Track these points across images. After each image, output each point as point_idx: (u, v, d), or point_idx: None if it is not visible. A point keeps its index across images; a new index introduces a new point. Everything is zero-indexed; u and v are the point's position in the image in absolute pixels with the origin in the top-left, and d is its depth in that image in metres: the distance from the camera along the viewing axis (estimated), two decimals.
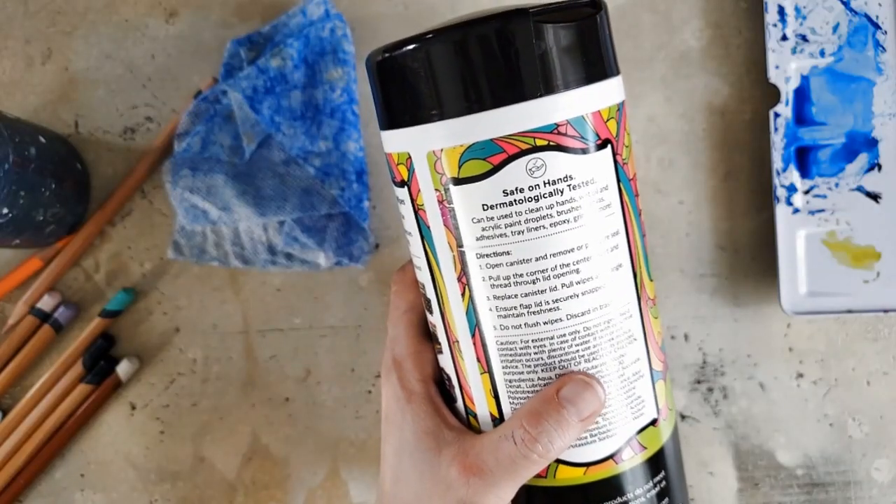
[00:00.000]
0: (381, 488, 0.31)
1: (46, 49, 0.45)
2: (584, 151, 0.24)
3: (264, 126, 0.42)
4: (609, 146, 0.25)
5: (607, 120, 0.25)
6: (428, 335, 0.31)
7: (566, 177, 0.24)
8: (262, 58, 0.42)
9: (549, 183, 0.24)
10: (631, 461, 0.27)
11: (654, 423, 0.28)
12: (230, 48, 0.43)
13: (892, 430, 0.44)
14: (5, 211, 0.37)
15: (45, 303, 0.44)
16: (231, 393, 0.45)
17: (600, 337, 0.26)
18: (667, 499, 0.28)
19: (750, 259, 0.44)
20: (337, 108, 0.43)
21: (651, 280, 0.28)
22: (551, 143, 0.24)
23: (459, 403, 0.29)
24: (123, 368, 0.44)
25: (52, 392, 0.44)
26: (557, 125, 0.24)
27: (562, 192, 0.24)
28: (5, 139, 0.37)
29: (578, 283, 0.25)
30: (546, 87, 0.23)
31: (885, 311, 0.42)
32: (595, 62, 0.25)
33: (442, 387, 0.30)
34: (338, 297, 0.45)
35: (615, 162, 0.25)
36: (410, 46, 0.24)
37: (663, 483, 0.28)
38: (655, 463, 0.28)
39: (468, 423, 0.29)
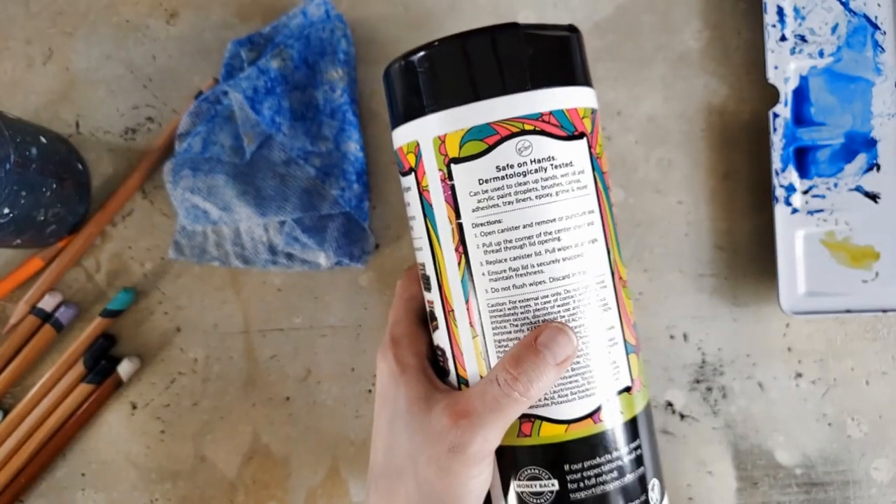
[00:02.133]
0: (373, 460, 0.32)
1: (47, 49, 0.45)
2: (564, 138, 0.29)
3: (265, 126, 0.42)
4: (584, 138, 0.30)
5: (583, 118, 0.30)
6: (425, 323, 0.33)
7: (549, 157, 0.29)
8: (263, 58, 0.42)
9: (534, 161, 0.28)
10: (608, 422, 0.30)
11: (628, 390, 0.30)
12: (231, 49, 0.43)
13: (890, 429, 0.44)
14: (6, 211, 0.37)
15: (47, 302, 0.44)
16: (232, 392, 0.45)
17: (579, 300, 0.29)
18: (643, 467, 0.30)
19: (749, 259, 0.44)
20: (337, 109, 0.43)
21: (623, 265, 0.32)
22: (537, 129, 0.28)
23: (452, 375, 0.31)
24: (124, 368, 0.44)
25: (54, 392, 0.44)
26: (542, 114, 0.29)
27: (545, 170, 0.28)
28: (6, 139, 0.37)
29: (559, 249, 0.29)
30: (533, 83, 0.29)
31: (884, 310, 0.42)
32: (571, 70, 0.30)
33: (435, 366, 0.33)
34: (338, 297, 0.45)
35: (590, 153, 0.30)
36: (426, 52, 0.29)
37: (639, 450, 0.30)
38: (631, 429, 0.30)
39: (459, 388, 0.31)
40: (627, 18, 0.45)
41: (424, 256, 0.31)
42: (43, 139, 0.41)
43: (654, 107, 0.45)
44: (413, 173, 0.30)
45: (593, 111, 0.30)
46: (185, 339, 0.45)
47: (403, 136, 0.31)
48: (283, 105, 0.43)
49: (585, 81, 0.31)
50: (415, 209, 0.31)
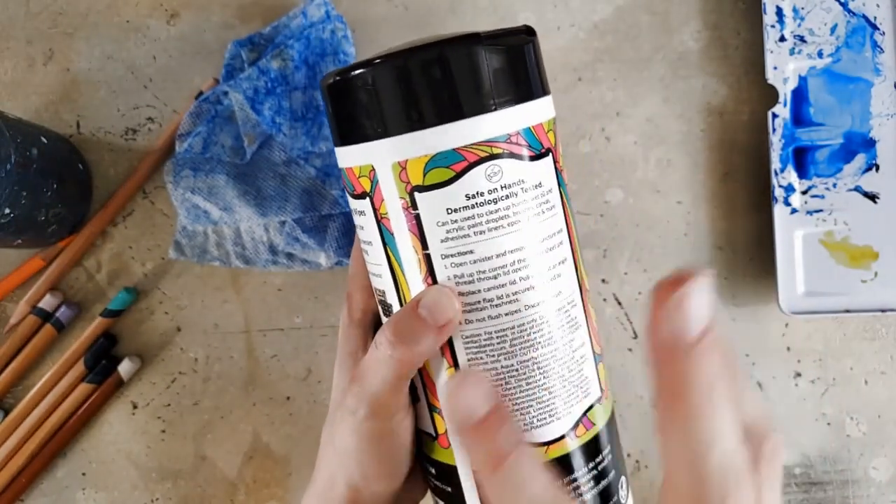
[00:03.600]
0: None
1: (48, 50, 0.45)
2: (532, 158, 0.27)
3: (265, 127, 0.42)
4: (550, 154, 0.28)
5: (547, 132, 0.28)
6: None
7: (518, 181, 0.27)
8: (263, 59, 0.43)
9: (504, 187, 0.27)
10: (584, 437, 0.29)
11: (598, 401, 0.30)
12: (231, 49, 0.43)
13: (889, 429, 0.44)
14: (7, 211, 0.37)
15: (47, 302, 0.44)
16: (232, 392, 0.45)
17: (553, 324, 0.28)
18: (613, 470, 0.30)
19: (748, 259, 0.45)
20: None
21: (585, 273, 0.31)
22: (506, 152, 0.27)
23: (423, 402, 0.30)
24: (125, 368, 0.44)
25: (54, 391, 0.44)
26: (510, 135, 0.27)
27: (516, 195, 0.27)
28: (7, 140, 0.37)
29: (533, 276, 0.28)
30: (499, 102, 0.27)
31: (883, 310, 0.42)
32: (535, 82, 0.28)
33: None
34: (338, 297, 0.45)
35: (556, 168, 0.28)
36: (376, 68, 0.27)
37: (610, 455, 0.30)
38: (603, 437, 0.30)
39: (432, 419, 0.30)
40: (626, 19, 0.45)
41: (384, 284, 0.29)
42: (44, 139, 0.41)
43: (654, 107, 0.45)
44: (368, 198, 0.28)
45: (553, 121, 0.29)
46: (186, 338, 0.45)
47: (353, 157, 0.28)
48: (284, 105, 0.43)
49: (545, 90, 0.29)
50: (370, 235, 0.29)
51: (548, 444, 0.29)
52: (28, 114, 0.45)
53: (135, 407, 0.45)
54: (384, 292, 0.30)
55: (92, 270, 0.45)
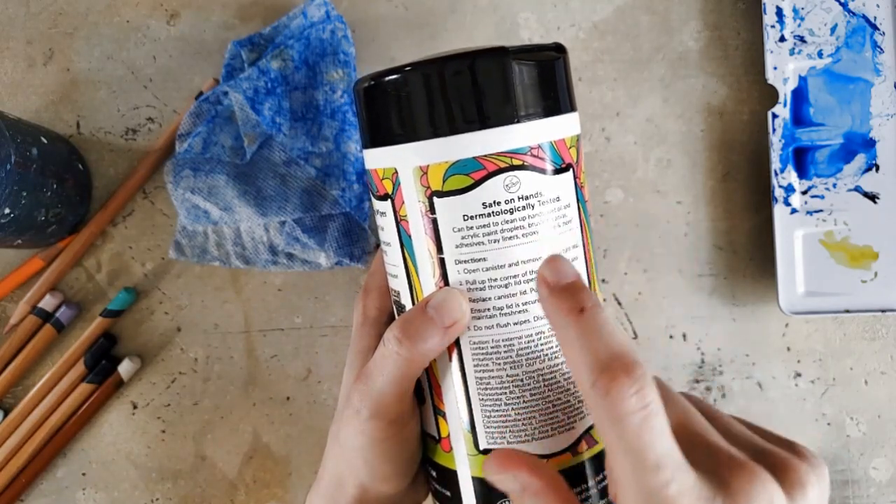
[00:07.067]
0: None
1: (48, 50, 0.45)
2: (552, 172, 0.28)
3: (265, 127, 0.42)
4: (571, 170, 0.28)
5: (570, 147, 0.28)
6: None
7: (536, 193, 0.27)
8: (263, 59, 0.43)
9: (522, 198, 0.27)
10: (587, 453, 0.29)
11: None
12: (231, 49, 0.43)
13: (889, 429, 0.44)
14: (7, 211, 0.37)
15: (47, 302, 0.44)
16: (232, 392, 0.45)
17: None
18: None
19: (748, 259, 0.45)
20: (338, 110, 0.43)
21: (600, 291, 0.31)
22: (525, 164, 0.27)
23: (428, 403, 0.30)
24: (125, 368, 0.44)
25: (54, 391, 0.44)
26: (531, 148, 0.27)
27: (533, 207, 0.27)
28: (7, 140, 0.37)
29: None
30: (522, 115, 0.27)
31: (883, 310, 0.42)
32: (560, 98, 0.29)
33: None
34: (338, 297, 0.45)
35: (575, 184, 0.29)
36: (408, 74, 0.27)
37: None
38: (604, 458, 0.30)
39: (436, 422, 0.30)
40: (626, 19, 0.45)
41: (400, 285, 0.30)
42: (44, 139, 0.41)
43: (654, 107, 0.45)
44: (389, 200, 0.29)
45: (578, 137, 0.29)
46: (186, 338, 0.45)
47: (379, 159, 0.29)
48: (284, 105, 0.43)
49: (571, 107, 0.29)
50: (390, 236, 0.30)
51: (549, 456, 0.29)
52: (28, 114, 0.45)
53: (135, 407, 0.45)
54: (399, 293, 0.30)
55: (92, 270, 0.45)
